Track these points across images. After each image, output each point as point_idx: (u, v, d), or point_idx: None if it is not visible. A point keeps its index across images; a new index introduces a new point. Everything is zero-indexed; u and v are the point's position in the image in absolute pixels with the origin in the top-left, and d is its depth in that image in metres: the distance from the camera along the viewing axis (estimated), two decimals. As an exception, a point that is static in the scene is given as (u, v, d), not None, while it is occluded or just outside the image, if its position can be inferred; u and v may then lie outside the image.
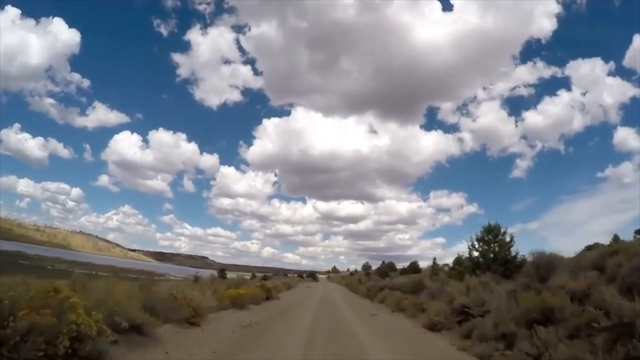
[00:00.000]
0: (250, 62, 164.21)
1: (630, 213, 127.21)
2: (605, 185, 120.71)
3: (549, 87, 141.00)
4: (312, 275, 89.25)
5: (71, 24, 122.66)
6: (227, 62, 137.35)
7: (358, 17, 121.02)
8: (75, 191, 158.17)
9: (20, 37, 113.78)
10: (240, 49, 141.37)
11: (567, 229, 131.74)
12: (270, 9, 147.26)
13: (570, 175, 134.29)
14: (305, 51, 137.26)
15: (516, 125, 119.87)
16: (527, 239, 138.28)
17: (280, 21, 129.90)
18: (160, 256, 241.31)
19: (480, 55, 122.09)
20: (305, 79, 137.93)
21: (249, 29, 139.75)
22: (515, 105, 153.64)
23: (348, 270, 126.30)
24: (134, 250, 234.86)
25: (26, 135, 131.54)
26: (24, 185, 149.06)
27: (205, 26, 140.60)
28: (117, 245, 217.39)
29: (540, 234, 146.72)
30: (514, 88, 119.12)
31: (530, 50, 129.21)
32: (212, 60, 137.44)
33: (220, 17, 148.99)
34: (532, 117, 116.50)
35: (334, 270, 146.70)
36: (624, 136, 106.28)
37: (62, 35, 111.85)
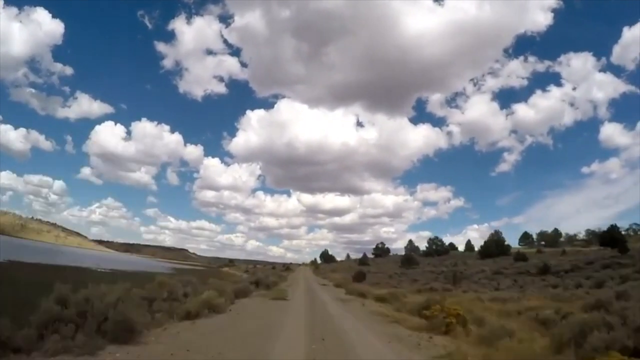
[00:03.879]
0: (235, 53, 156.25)
1: (614, 209, 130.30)
2: (590, 181, 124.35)
3: (540, 81, 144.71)
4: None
5: (55, 14, 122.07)
6: (211, 52, 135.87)
7: (345, 5, 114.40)
8: (58, 184, 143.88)
9: (2, 27, 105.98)
10: (225, 39, 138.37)
11: (551, 223, 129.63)
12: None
13: (556, 170, 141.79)
14: (290, 41, 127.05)
15: (506, 118, 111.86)
16: (512, 233, 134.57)
17: (265, 10, 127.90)
18: (128, 247, 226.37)
19: (471, 47, 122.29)
20: (291, 70, 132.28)
21: (234, 19, 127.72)
22: (506, 99, 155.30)
23: (348, 257, 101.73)
24: (105, 243, 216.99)
25: (7, 126, 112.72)
26: (6, 178, 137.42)
27: (190, 16, 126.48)
28: (70, 232, 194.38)
29: (525, 227, 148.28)
30: (505, 81, 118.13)
31: (523, 44, 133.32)
32: (197, 51, 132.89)
33: (206, 7, 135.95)
34: (522, 111, 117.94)
35: (326, 256, 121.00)
36: (611, 132, 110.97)
37: (45, 25, 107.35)
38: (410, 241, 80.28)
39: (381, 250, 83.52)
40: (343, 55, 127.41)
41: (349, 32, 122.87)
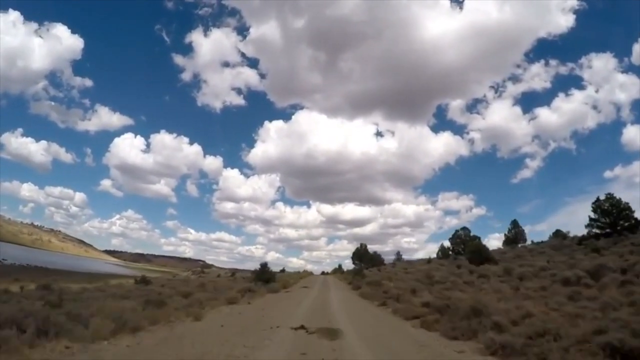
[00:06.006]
0: (253, 64, 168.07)
1: (638, 213, 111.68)
2: (613, 186, 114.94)
3: (562, 84, 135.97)
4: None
5: (74, 30, 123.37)
6: (229, 64, 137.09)
7: (361, 11, 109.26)
8: (79, 196, 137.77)
9: (22, 41, 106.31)
10: (242, 52, 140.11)
11: (574, 230, 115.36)
12: (272, 9, 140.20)
13: (579, 176, 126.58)
14: (307, 50, 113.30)
15: (528, 123, 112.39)
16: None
17: (280, 21, 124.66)
18: (138, 257, 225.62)
19: (491, 51, 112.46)
20: (308, 79, 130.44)
21: (250, 31, 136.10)
22: (528, 103, 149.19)
23: (400, 258, 76.11)
24: (114, 253, 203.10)
25: (29, 139, 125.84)
26: (27, 190, 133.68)
27: (207, 28, 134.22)
28: (73, 239, 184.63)
29: (548, 235, 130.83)
30: (526, 85, 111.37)
31: (544, 47, 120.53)
32: (215, 63, 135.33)
33: (222, 19, 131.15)
34: (545, 115, 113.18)
35: (363, 255, 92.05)
36: (634, 134, 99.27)
37: (65, 40, 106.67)
38: (516, 220, 49.87)
39: (464, 241, 53.48)
40: (360, 63, 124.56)
41: (366, 39, 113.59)
